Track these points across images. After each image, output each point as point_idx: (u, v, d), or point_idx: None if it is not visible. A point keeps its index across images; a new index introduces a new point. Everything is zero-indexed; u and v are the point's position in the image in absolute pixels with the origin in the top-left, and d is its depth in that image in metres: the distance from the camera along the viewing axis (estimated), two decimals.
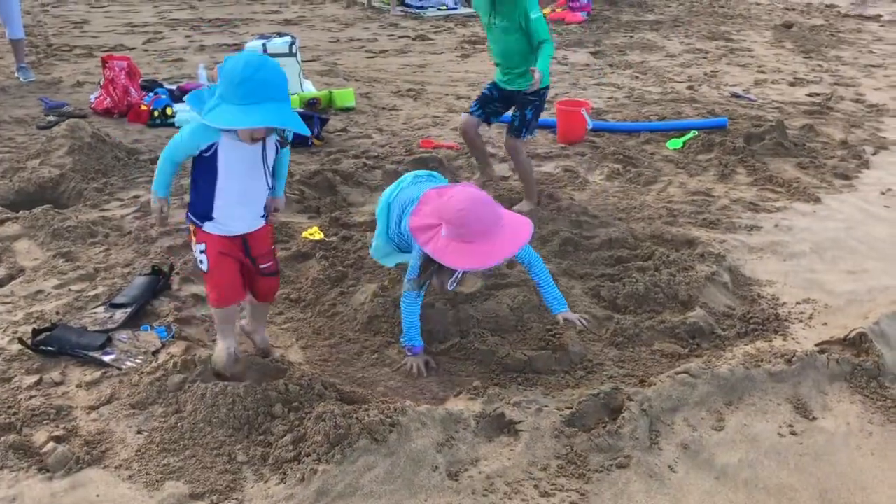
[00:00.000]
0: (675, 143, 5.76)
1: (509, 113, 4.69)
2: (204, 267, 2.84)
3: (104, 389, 2.88)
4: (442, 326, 3.37)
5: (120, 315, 3.31)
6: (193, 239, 2.87)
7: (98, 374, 2.96)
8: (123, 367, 3.00)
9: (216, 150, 2.69)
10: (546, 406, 2.83)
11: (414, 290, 3.10)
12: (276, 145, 2.87)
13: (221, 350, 2.91)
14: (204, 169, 2.74)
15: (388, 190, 3.43)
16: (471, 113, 4.68)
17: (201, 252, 2.84)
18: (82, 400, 2.83)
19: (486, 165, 4.97)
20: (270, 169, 2.86)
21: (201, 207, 2.80)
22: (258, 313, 3.17)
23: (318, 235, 4.13)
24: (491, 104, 4.64)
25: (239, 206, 2.81)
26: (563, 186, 5.01)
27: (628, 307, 3.58)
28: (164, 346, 3.14)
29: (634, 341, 3.34)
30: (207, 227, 2.82)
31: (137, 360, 3.04)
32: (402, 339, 3.18)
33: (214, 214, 2.79)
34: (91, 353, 3.04)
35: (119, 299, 3.41)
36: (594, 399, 2.85)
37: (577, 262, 4.00)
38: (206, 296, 3.04)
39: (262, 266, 2.95)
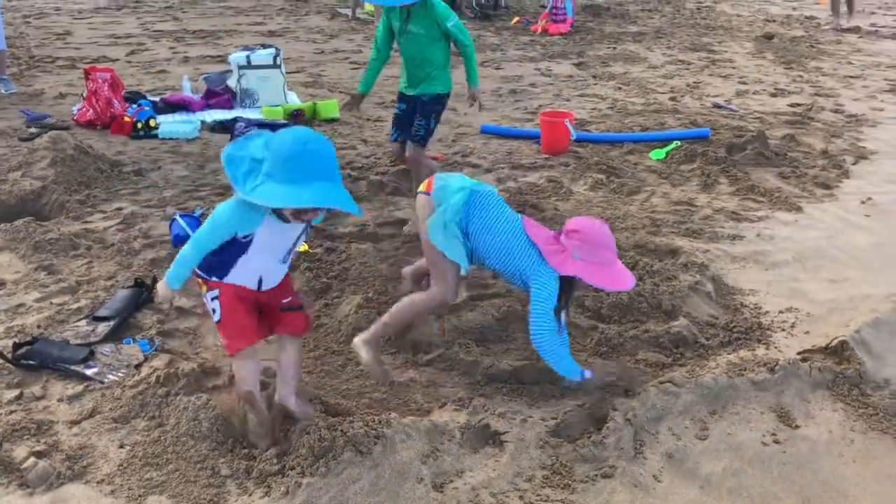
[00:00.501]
0: (657, 154, 5.80)
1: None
2: (217, 316, 2.60)
3: (86, 403, 2.85)
4: (426, 337, 3.37)
5: (102, 328, 3.28)
6: (203, 288, 2.64)
7: (80, 387, 2.94)
8: (106, 380, 2.97)
9: (254, 235, 2.50)
10: (531, 417, 2.84)
11: (553, 320, 2.87)
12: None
13: (254, 424, 2.69)
14: (232, 246, 2.52)
15: (459, 188, 3.03)
16: (393, 141, 4.72)
17: (213, 299, 2.60)
18: (64, 414, 2.80)
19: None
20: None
21: (217, 272, 2.58)
22: (287, 362, 2.77)
23: (303, 247, 4.11)
24: (405, 120, 4.62)
25: (259, 274, 2.62)
26: (548, 197, 5.03)
27: (612, 317, 3.59)
28: (146, 359, 3.12)
29: (619, 351, 3.35)
30: (217, 277, 2.60)
31: (120, 374, 3.01)
32: (569, 378, 2.93)
33: (230, 277, 2.58)
34: (73, 367, 3.02)
35: (101, 312, 3.39)
36: (579, 409, 2.86)
37: None
38: (223, 347, 2.80)
39: (282, 301, 2.72)
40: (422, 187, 3.14)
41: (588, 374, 2.92)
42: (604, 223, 2.95)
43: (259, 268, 2.60)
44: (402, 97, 4.67)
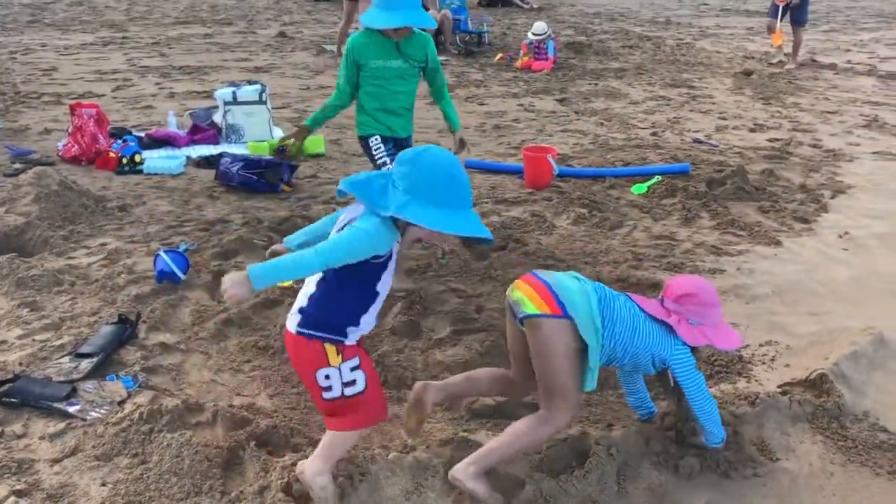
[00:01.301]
0: (639, 188, 5.88)
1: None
2: (360, 386, 2.39)
3: (68, 441, 2.84)
4: (411, 372, 3.38)
5: (85, 365, 3.27)
6: (338, 359, 2.37)
7: (62, 425, 2.92)
8: (88, 417, 2.96)
9: (392, 254, 2.38)
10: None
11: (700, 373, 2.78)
12: None
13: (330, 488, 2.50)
14: (366, 275, 2.34)
15: (589, 307, 2.67)
16: None
17: (353, 369, 2.37)
18: (45, 452, 2.79)
19: None
20: None
21: (345, 319, 2.38)
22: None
23: (287, 282, 4.13)
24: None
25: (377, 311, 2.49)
26: (531, 231, 5.08)
27: None
28: (130, 395, 3.11)
29: (602, 385, 3.36)
30: (351, 337, 2.41)
31: (103, 411, 3.00)
32: (717, 439, 2.83)
33: (361, 322, 2.41)
34: (55, 404, 3.00)
35: (85, 349, 3.38)
36: (562, 444, 2.87)
37: None
38: (350, 421, 2.46)
39: None
40: (531, 306, 2.63)
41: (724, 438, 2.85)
42: (704, 279, 2.89)
43: (381, 301, 2.42)
44: (394, 141, 4.40)
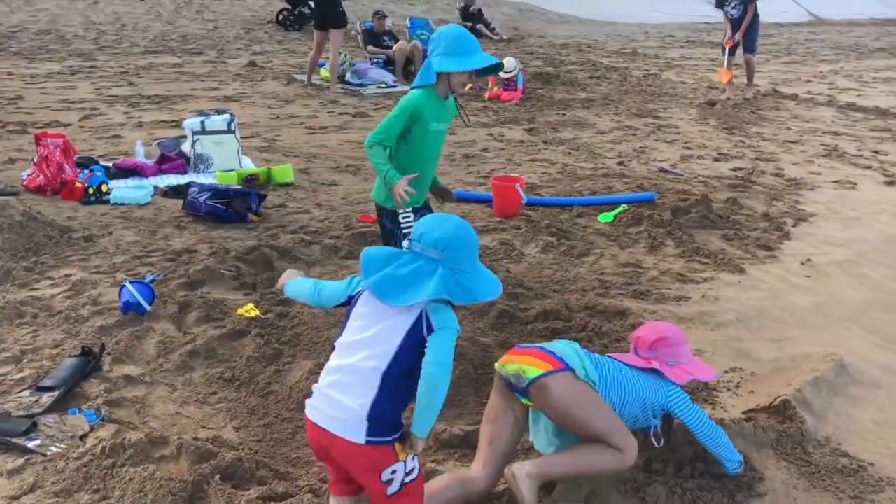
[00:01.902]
0: (606, 217, 5.95)
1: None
2: (416, 472, 2.35)
3: (27, 477, 2.78)
4: None
5: (46, 398, 3.21)
6: (404, 453, 2.30)
7: (21, 461, 2.86)
8: (48, 452, 2.90)
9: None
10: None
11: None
12: None
13: None
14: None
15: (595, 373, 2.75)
16: None
17: (413, 459, 2.33)
18: (2, 489, 2.72)
19: None
20: None
21: (401, 415, 2.34)
22: None
23: (254, 312, 4.11)
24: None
25: None
26: (500, 259, 5.11)
27: None
28: (92, 429, 3.06)
29: None
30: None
31: (63, 445, 2.95)
32: (734, 465, 2.88)
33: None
34: (14, 440, 2.94)
35: (46, 382, 3.32)
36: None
37: (514, 333, 4.06)
38: None
39: None
40: (533, 370, 2.63)
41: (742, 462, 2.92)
42: (666, 322, 3.11)
43: None
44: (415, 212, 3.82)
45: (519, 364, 2.65)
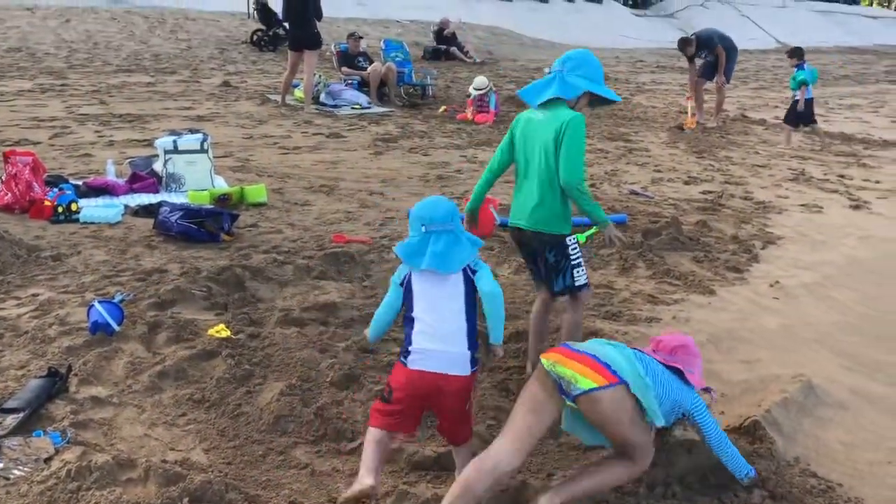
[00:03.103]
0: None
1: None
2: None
3: None
4: (350, 424, 3.35)
5: (10, 420, 3.14)
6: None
7: None
8: (11, 476, 2.84)
9: None
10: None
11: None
12: None
13: None
14: None
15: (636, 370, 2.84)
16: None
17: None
18: None
19: None
20: None
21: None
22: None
23: (225, 333, 4.07)
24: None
25: None
26: None
27: None
28: (57, 452, 3.00)
29: (547, 433, 3.39)
30: None
31: (27, 469, 2.88)
32: (746, 474, 2.93)
33: None
34: None
35: (10, 403, 3.25)
36: (501, 494, 2.86)
37: (485, 353, 4.06)
38: (471, 427, 3.02)
39: None
40: (587, 381, 2.72)
41: (753, 471, 2.98)
42: (685, 334, 3.26)
43: None
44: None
45: (572, 372, 2.75)
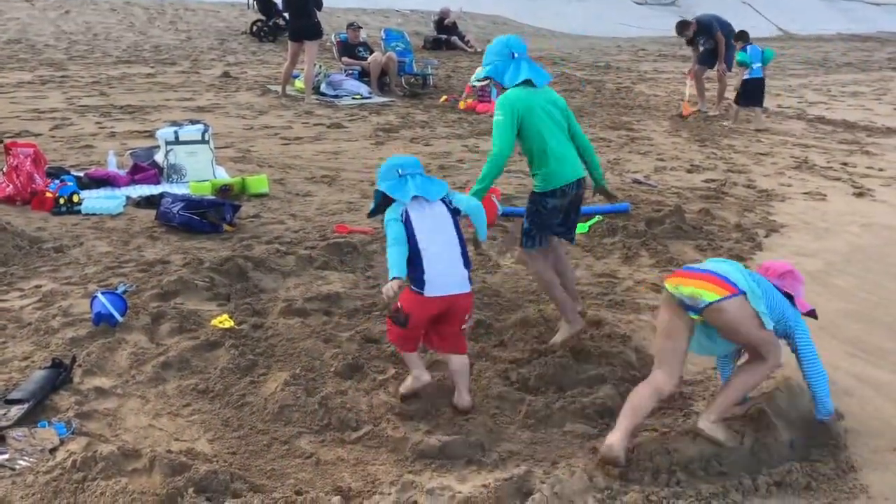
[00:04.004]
0: (581, 228, 5.97)
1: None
2: None
3: None
4: (355, 413, 3.35)
5: (15, 411, 3.15)
6: None
7: None
8: (17, 466, 2.85)
9: None
10: (459, 492, 2.83)
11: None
12: None
13: None
14: None
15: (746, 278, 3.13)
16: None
17: None
18: None
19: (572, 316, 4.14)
20: None
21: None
22: None
23: (228, 323, 4.07)
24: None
25: None
26: (476, 270, 5.10)
27: (540, 388, 3.64)
28: (62, 442, 3.00)
29: (546, 423, 3.40)
30: None
31: (33, 459, 2.89)
32: (827, 408, 3.22)
33: None
34: None
35: (15, 395, 3.26)
36: (507, 482, 2.86)
37: (489, 344, 4.06)
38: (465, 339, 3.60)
39: None
40: (711, 294, 3.00)
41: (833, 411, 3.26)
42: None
43: None
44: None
45: (694, 288, 3.03)
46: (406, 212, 3.31)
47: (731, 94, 12.65)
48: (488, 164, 3.97)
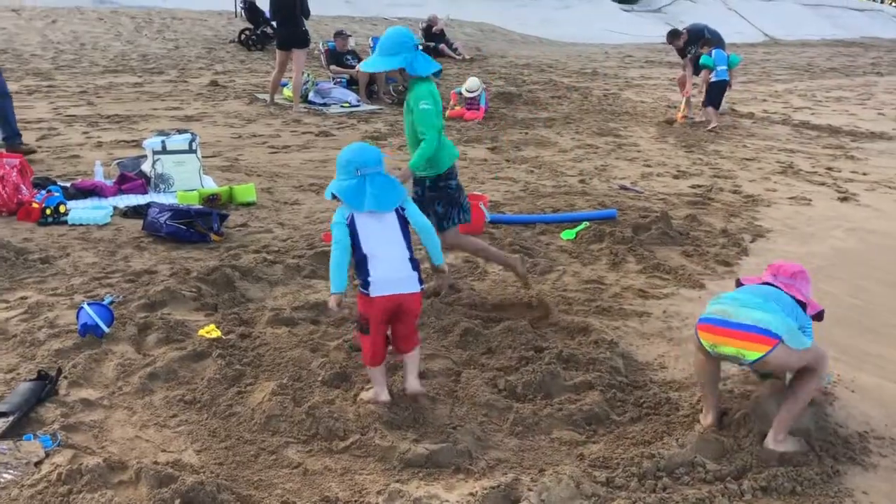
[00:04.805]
0: (568, 234, 6.01)
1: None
2: None
3: None
4: (342, 423, 3.35)
5: (0, 424, 3.13)
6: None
7: None
8: (1, 480, 2.83)
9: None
10: (447, 501, 2.84)
11: None
12: None
13: None
14: None
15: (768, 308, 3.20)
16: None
17: None
18: None
19: (510, 261, 4.84)
20: None
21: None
22: None
23: (216, 333, 4.06)
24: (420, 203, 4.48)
25: None
26: (464, 277, 5.12)
27: (527, 395, 3.65)
28: (48, 455, 2.99)
29: (534, 430, 3.40)
30: None
31: (17, 472, 2.87)
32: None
33: None
34: None
35: (0, 407, 3.24)
36: (494, 491, 2.87)
37: (477, 351, 4.07)
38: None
39: None
40: (753, 353, 3.11)
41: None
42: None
43: None
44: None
45: (736, 349, 3.14)
46: (352, 215, 3.34)
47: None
48: (427, 146, 4.41)
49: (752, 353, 3.10)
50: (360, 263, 3.32)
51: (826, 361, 3.28)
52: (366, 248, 3.31)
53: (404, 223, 3.42)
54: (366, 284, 3.31)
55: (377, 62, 4.36)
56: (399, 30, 4.39)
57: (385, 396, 3.45)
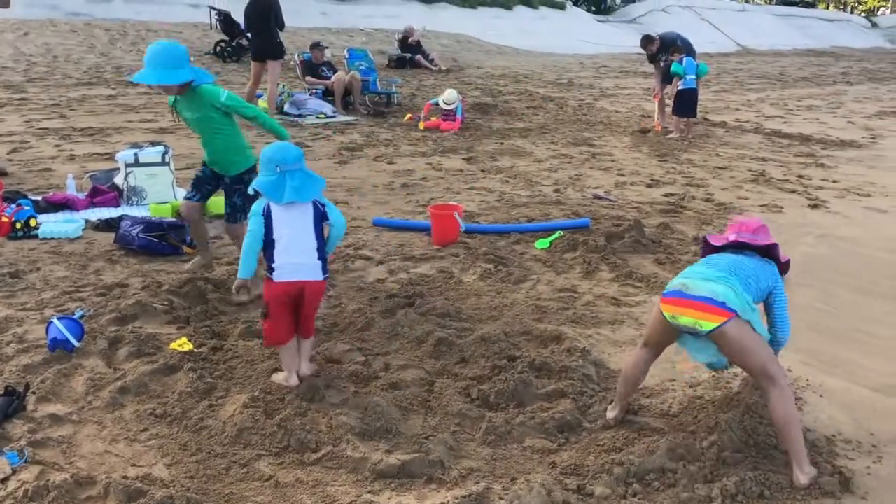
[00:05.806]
0: (542, 243, 6.04)
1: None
2: None
3: None
4: (315, 435, 3.33)
5: None
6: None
7: None
8: None
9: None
10: None
11: None
12: None
13: None
14: None
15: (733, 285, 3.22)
16: (189, 199, 5.01)
17: None
18: None
19: (205, 249, 5.24)
20: None
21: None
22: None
23: (187, 346, 4.04)
24: (205, 185, 5.01)
25: None
26: (438, 287, 5.13)
27: (500, 404, 3.66)
28: (14, 472, 2.95)
29: (506, 439, 3.41)
30: None
31: None
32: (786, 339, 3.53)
33: None
34: None
35: None
36: (465, 500, 2.87)
37: (451, 361, 4.08)
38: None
39: None
40: (708, 324, 3.13)
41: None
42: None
43: None
44: (206, 166, 5.02)
45: (692, 319, 3.17)
46: (268, 205, 3.54)
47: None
48: (270, 119, 5.01)
49: (708, 323, 3.13)
50: (267, 249, 3.55)
51: (785, 380, 3.19)
52: (276, 235, 3.53)
53: (320, 217, 3.62)
54: (270, 270, 3.54)
55: (164, 75, 4.50)
56: (174, 44, 4.63)
57: (294, 381, 3.63)
